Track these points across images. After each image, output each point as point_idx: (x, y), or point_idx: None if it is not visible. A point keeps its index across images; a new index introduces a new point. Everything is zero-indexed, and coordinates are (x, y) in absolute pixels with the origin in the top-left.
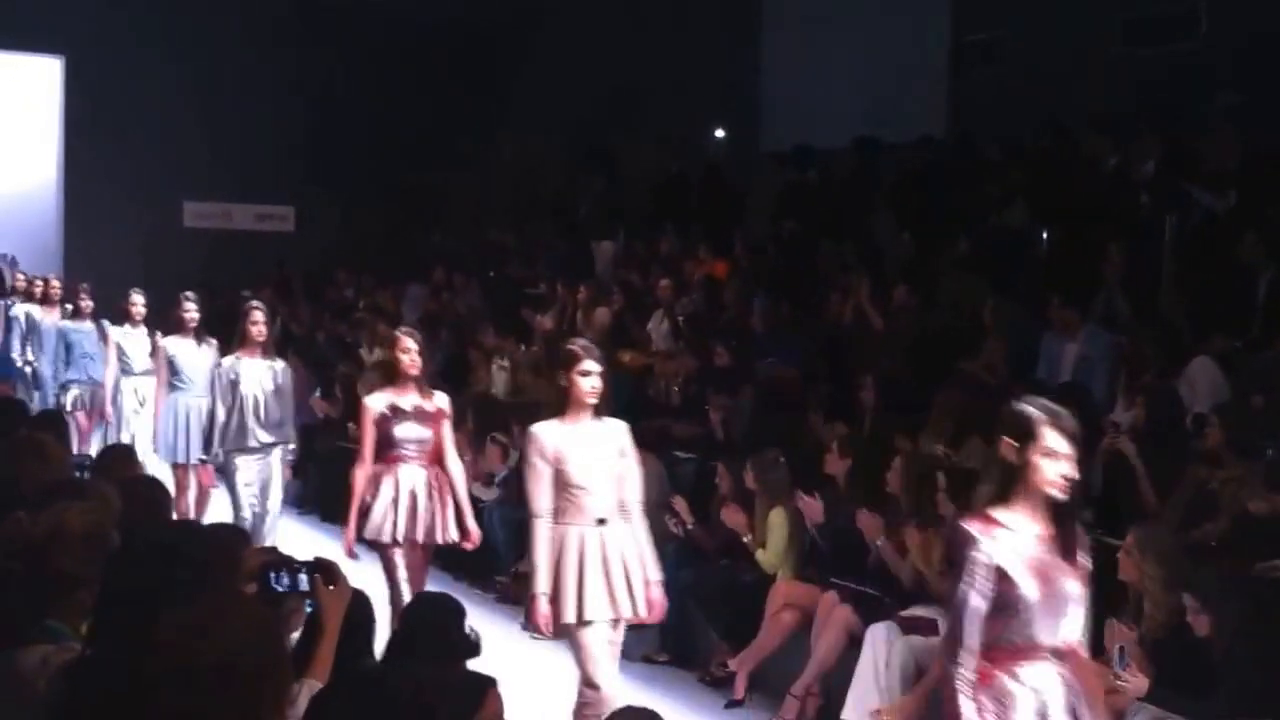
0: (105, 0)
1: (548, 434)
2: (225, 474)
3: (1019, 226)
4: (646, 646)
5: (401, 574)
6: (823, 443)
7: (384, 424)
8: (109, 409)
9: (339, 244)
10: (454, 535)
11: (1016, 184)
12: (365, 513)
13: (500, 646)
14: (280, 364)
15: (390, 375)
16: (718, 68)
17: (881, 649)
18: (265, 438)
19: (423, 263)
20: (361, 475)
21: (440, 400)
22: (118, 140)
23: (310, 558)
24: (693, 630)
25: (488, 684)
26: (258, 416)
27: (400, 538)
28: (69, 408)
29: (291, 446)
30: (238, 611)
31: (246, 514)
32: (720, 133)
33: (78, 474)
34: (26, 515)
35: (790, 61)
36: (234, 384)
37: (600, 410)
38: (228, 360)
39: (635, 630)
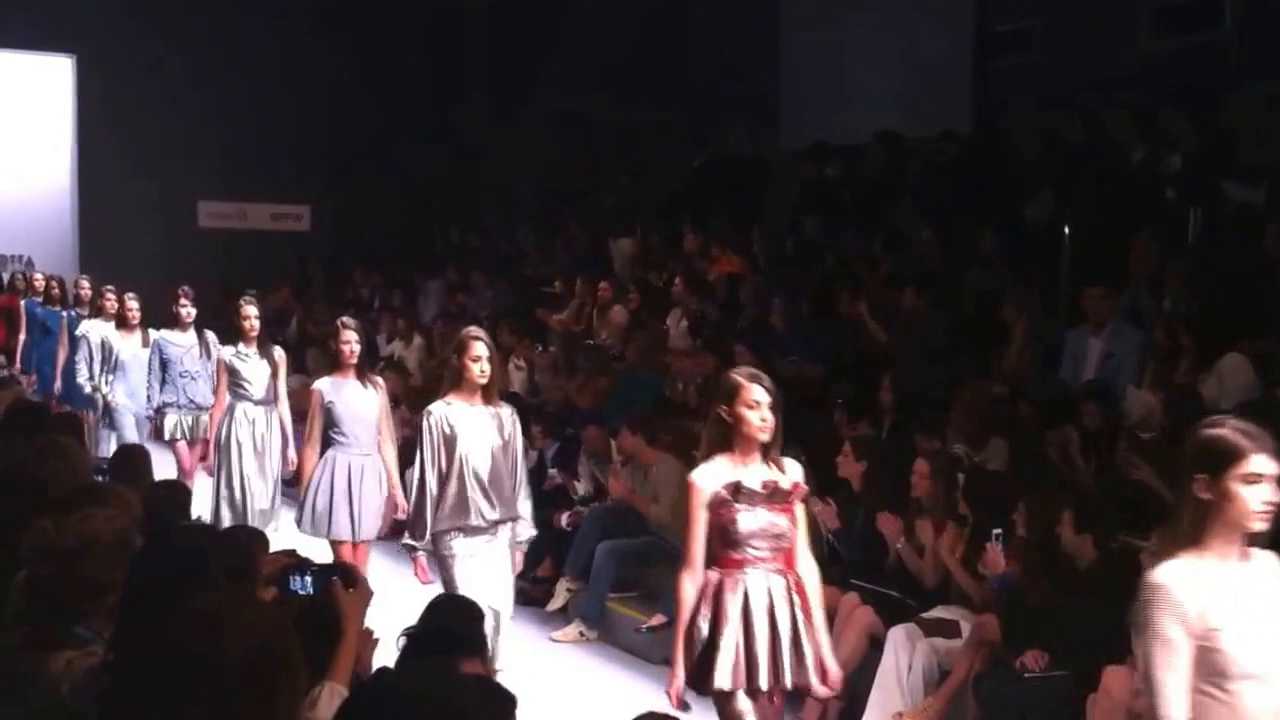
0: None
1: (1184, 582)
2: (439, 562)
3: (1046, 221)
4: (667, 648)
5: None
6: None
7: (723, 511)
8: (212, 456)
9: (355, 242)
10: (830, 671)
11: (1043, 177)
12: (692, 642)
13: (515, 649)
14: (507, 411)
15: (724, 436)
16: (738, 61)
17: (903, 651)
18: (492, 513)
19: (439, 260)
20: (691, 587)
21: (795, 472)
22: (131, 140)
23: (330, 561)
24: None
25: (510, 701)
26: (482, 484)
27: (760, 684)
28: (167, 435)
29: (525, 523)
30: (250, 606)
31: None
32: (740, 128)
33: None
34: (52, 523)
35: (812, 55)
36: (449, 440)
37: (1252, 537)
38: (438, 408)
39: (655, 630)
